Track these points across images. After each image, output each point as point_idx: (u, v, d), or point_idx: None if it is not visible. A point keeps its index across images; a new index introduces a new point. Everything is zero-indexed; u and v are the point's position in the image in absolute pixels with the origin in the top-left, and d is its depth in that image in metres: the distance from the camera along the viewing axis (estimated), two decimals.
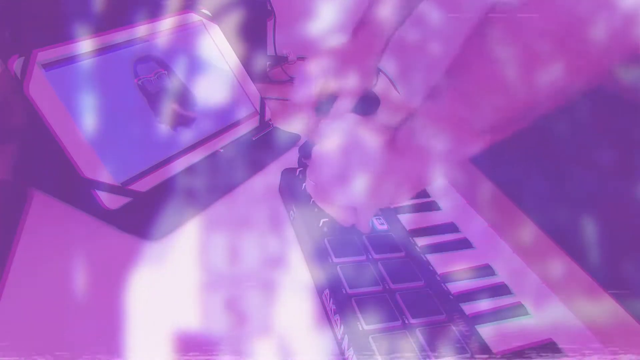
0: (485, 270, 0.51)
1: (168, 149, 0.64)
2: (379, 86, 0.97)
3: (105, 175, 0.56)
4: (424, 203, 0.61)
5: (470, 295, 0.47)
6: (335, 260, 0.49)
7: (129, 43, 0.65)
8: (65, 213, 0.57)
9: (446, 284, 0.48)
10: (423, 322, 0.43)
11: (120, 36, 0.64)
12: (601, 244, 0.59)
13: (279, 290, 0.49)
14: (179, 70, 0.69)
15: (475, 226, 0.58)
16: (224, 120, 0.72)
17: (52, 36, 0.58)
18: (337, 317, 0.44)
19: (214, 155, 0.68)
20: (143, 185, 0.59)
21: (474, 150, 0.45)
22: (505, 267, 0.51)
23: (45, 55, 0.56)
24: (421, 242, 0.54)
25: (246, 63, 0.80)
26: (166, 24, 0.70)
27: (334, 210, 0.50)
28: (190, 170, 0.65)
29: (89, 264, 0.51)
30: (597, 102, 0.55)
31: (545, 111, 0.42)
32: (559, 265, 0.53)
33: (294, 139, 0.75)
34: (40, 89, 0.54)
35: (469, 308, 0.46)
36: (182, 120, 0.67)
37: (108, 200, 0.56)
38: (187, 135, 0.67)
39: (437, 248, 0.53)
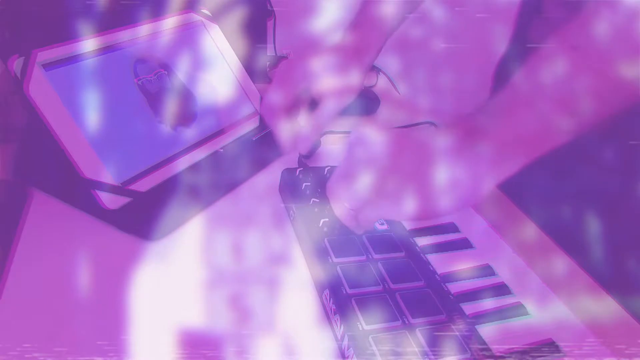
0: (486, 270, 0.51)
1: (168, 149, 0.64)
2: (379, 86, 0.97)
3: (105, 175, 0.56)
4: None
5: (470, 295, 0.47)
6: (336, 260, 0.49)
7: (129, 43, 0.65)
8: (65, 213, 0.57)
9: (446, 284, 0.48)
10: (423, 322, 0.43)
11: (120, 36, 0.64)
12: (601, 244, 0.59)
13: (279, 290, 0.49)
14: (179, 70, 0.69)
15: (475, 226, 0.58)
16: (224, 120, 0.72)
17: (52, 36, 0.58)
18: (337, 317, 0.44)
19: (214, 155, 0.68)
20: (143, 185, 0.59)
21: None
22: (505, 267, 0.51)
23: (45, 55, 0.56)
24: (421, 242, 0.54)
25: (246, 63, 0.79)
26: (166, 24, 0.70)
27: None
28: (190, 170, 0.65)
29: (89, 264, 0.51)
30: None
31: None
32: (559, 265, 0.53)
33: None
34: (40, 89, 0.54)
35: (469, 308, 0.46)
36: (182, 120, 0.67)
37: (108, 200, 0.56)
38: (187, 135, 0.67)
39: (437, 248, 0.53)
